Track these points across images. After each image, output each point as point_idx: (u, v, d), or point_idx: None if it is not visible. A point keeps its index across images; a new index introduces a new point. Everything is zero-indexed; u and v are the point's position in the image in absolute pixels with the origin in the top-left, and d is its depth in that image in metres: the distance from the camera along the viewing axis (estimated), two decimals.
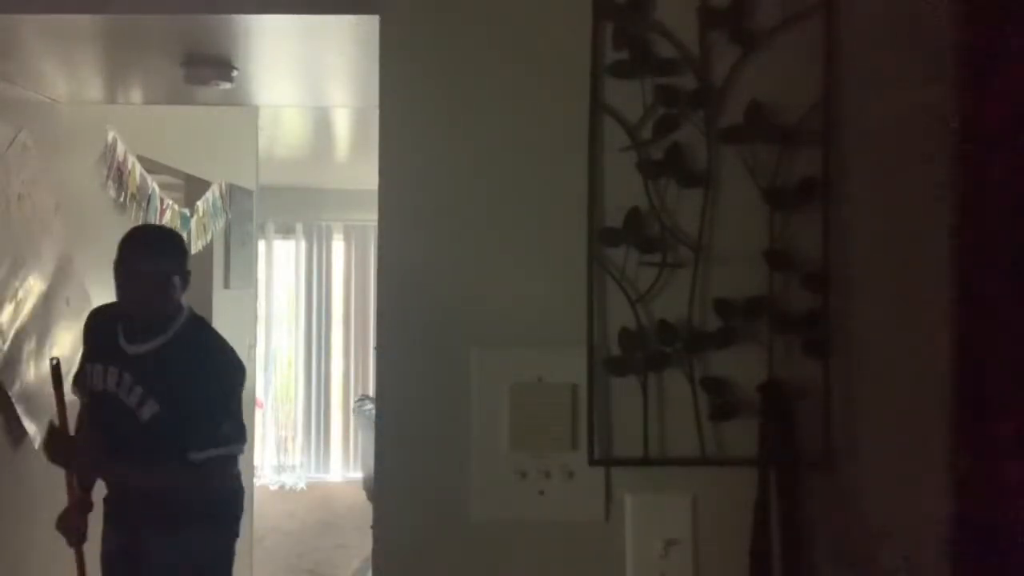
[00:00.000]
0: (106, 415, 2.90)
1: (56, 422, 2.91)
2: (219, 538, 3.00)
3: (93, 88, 3.32)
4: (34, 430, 3.23)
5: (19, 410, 3.17)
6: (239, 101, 3.60)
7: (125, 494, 2.93)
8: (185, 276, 2.94)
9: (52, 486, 2.91)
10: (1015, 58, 1.30)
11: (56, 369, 2.91)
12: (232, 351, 2.98)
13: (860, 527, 1.31)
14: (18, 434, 3.20)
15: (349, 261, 9.03)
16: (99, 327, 3.02)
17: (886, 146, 1.32)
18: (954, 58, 1.31)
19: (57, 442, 2.89)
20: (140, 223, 4.18)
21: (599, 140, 1.32)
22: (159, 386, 2.82)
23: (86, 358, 3.01)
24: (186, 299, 2.98)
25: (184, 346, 2.89)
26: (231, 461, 2.90)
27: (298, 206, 8.67)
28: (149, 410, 2.81)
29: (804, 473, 1.30)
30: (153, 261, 2.87)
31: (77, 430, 3.01)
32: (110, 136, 3.86)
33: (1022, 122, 1.30)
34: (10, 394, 3.13)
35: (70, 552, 2.90)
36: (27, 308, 3.23)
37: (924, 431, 1.31)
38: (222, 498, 2.99)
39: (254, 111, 5.30)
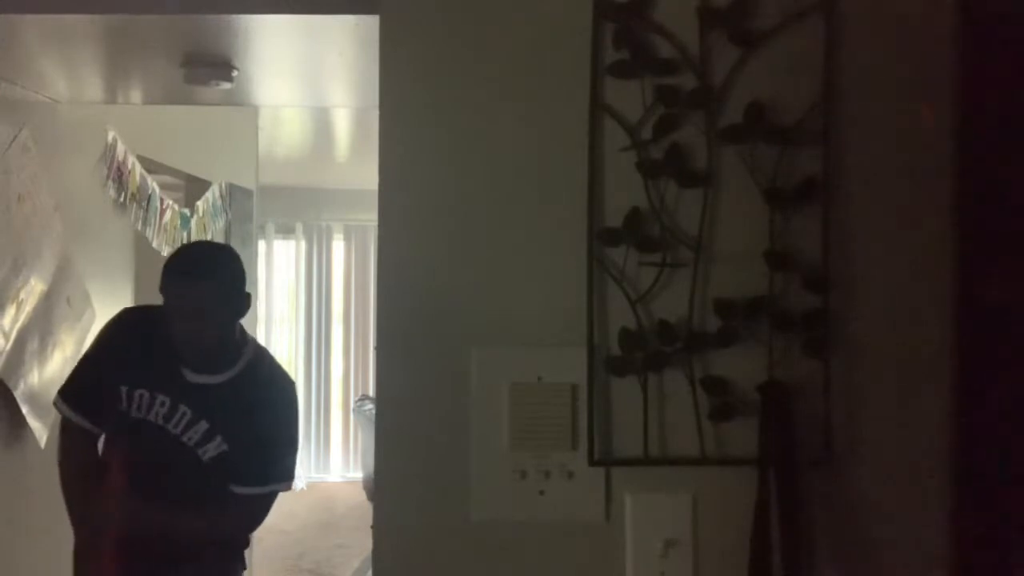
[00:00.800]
0: (147, 451, 2.48)
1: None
2: (236, 565, 2.71)
3: (93, 88, 3.32)
4: (39, 428, 3.23)
5: (24, 411, 3.17)
6: (239, 101, 3.59)
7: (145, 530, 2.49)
8: (247, 300, 2.54)
9: (53, 486, 2.90)
10: (1015, 56, 1.30)
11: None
12: (291, 380, 2.68)
13: (860, 527, 1.31)
14: (19, 434, 3.20)
15: (349, 261, 9.03)
16: (142, 341, 2.51)
17: (886, 146, 1.32)
18: (956, 54, 1.31)
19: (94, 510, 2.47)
20: (141, 223, 4.18)
21: (599, 140, 1.32)
22: (229, 424, 2.45)
23: (119, 378, 2.50)
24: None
25: (255, 379, 2.52)
26: (276, 496, 2.60)
27: (298, 206, 8.67)
28: (214, 449, 2.45)
29: (804, 473, 1.30)
30: (211, 292, 2.42)
31: (88, 466, 2.54)
32: (110, 136, 3.86)
33: (1022, 119, 1.30)
34: (15, 394, 3.13)
35: (69, 553, 2.66)
36: (29, 308, 3.23)
37: (924, 431, 1.31)
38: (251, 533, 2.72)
39: (254, 111, 5.30)
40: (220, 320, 2.46)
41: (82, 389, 2.59)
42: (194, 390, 2.46)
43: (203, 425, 2.45)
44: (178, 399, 2.45)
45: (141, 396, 2.46)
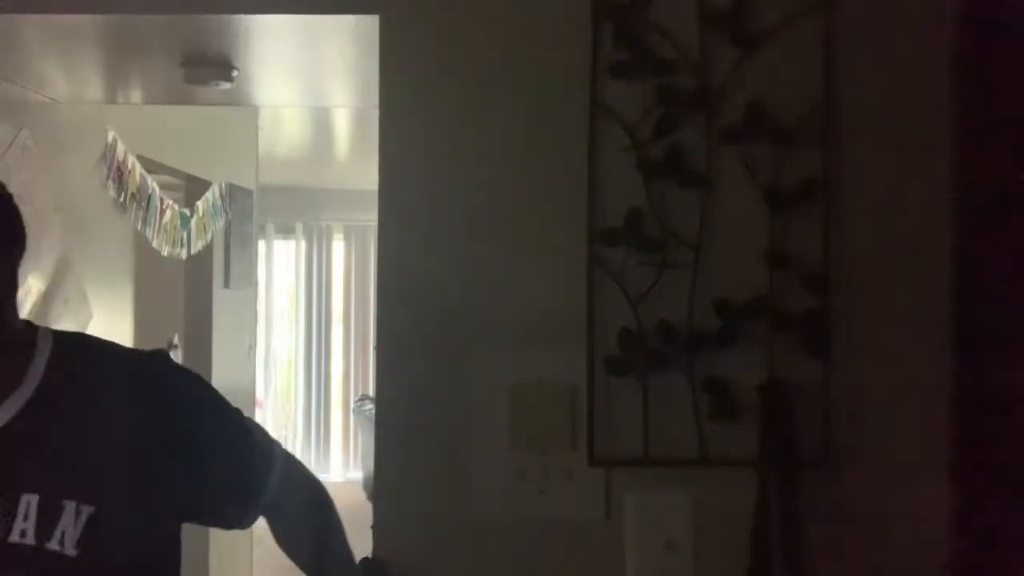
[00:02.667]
0: None
1: None
2: None
3: (93, 88, 3.32)
4: None
5: None
6: (239, 101, 3.59)
7: None
8: (15, 271, 1.27)
9: None
10: (1014, 54, 1.30)
11: None
12: (141, 356, 1.27)
13: (860, 527, 1.31)
14: None
15: (349, 261, 9.03)
16: None
17: (886, 146, 1.32)
18: (954, 55, 1.31)
19: None
20: (141, 223, 4.18)
21: (599, 140, 1.32)
22: (64, 469, 1.12)
23: None
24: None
25: (79, 379, 1.19)
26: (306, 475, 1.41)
27: (298, 206, 8.67)
28: (73, 523, 1.09)
29: (804, 473, 1.29)
30: None
31: None
32: (110, 136, 3.86)
33: (1022, 117, 1.30)
34: None
35: None
36: (27, 308, 3.24)
37: (924, 431, 1.31)
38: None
39: (254, 111, 5.30)
40: None
41: None
42: None
43: (32, 499, 1.10)
44: None
45: None
